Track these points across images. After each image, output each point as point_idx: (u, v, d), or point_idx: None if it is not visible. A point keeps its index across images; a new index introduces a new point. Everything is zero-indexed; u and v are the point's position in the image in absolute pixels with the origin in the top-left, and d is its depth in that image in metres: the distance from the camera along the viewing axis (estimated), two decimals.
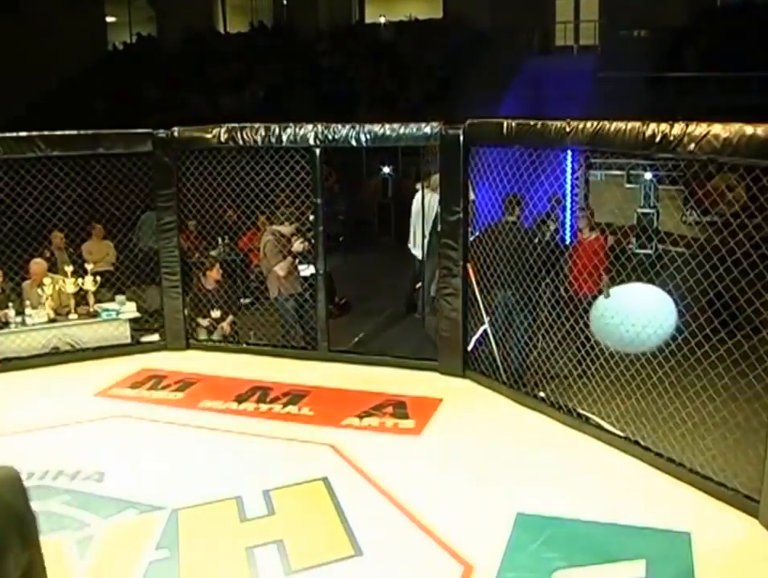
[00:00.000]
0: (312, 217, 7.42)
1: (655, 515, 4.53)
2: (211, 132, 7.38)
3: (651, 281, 5.81)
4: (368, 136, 6.97)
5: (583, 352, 5.93)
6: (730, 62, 14.90)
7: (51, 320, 7.60)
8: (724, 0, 19.24)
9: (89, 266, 7.88)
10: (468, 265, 6.74)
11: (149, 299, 8.33)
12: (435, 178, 7.35)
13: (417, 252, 8.15)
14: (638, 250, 9.31)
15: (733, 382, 5.03)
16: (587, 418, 5.74)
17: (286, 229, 7.63)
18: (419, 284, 8.57)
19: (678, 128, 4.69)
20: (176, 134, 7.52)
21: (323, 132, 7.09)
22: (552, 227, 7.07)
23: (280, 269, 7.51)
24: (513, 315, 6.67)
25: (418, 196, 8.18)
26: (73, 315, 7.69)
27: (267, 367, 7.28)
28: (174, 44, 22.44)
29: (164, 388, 6.84)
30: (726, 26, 16.72)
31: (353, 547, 4.30)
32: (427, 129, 6.77)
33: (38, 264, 7.82)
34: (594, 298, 6.08)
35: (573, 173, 7.55)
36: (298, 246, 7.57)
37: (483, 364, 6.80)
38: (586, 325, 5.89)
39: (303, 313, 7.64)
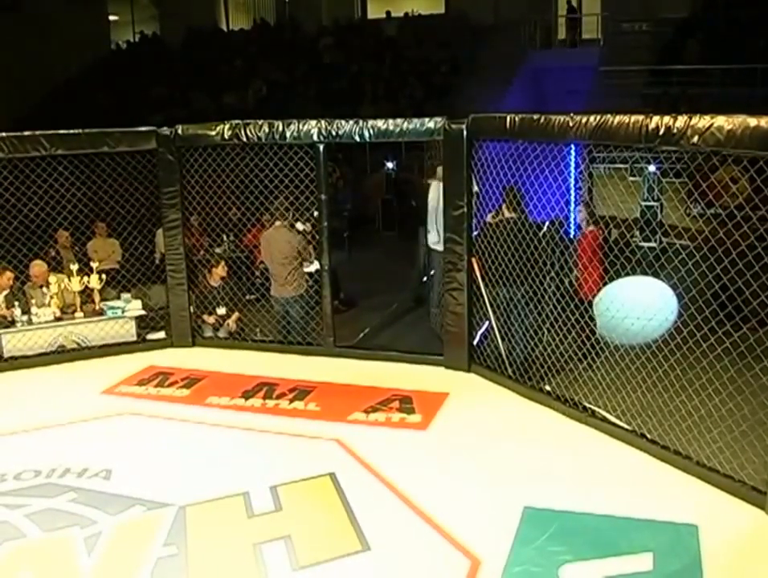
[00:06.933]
0: (316, 213, 7.44)
1: (661, 508, 4.53)
2: (215, 129, 7.40)
3: (655, 274, 5.80)
4: (371, 132, 6.97)
5: (588, 345, 5.93)
6: (733, 53, 14.86)
7: (57, 319, 7.63)
8: None
9: (94, 265, 7.90)
10: (473, 259, 6.74)
11: (154, 296, 8.35)
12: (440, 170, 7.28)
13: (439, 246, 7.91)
14: (642, 243, 9.30)
15: (739, 374, 5.02)
16: (593, 412, 5.73)
17: (301, 226, 7.76)
18: (425, 278, 8.53)
19: (681, 121, 4.67)
20: (180, 131, 7.53)
21: (326, 127, 7.09)
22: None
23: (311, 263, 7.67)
24: (518, 309, 6.66)
25: (433, 189, 7.97)
26: (79, 314, 7.72)
27: (272, 363, 7.29)
28: (177, 42, 22.48)
29: (170, 385, 6.85)
30: (728, 17, 16.67)
31: (361, 542, 4.31)
32: (431, 124, 6.76)
33: (38, 265, 7.84)
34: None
35: (576, 168, 7.54)
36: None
37: (488, 359, 6.80)
38: (590, 320, 5.89)
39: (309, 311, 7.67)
